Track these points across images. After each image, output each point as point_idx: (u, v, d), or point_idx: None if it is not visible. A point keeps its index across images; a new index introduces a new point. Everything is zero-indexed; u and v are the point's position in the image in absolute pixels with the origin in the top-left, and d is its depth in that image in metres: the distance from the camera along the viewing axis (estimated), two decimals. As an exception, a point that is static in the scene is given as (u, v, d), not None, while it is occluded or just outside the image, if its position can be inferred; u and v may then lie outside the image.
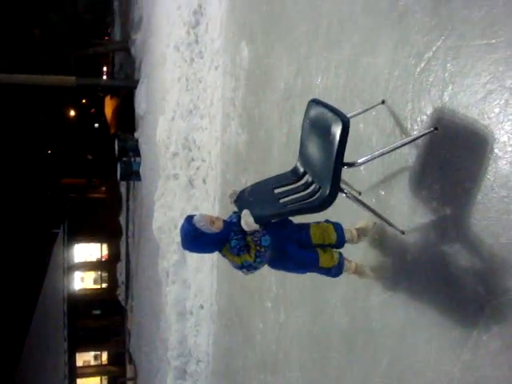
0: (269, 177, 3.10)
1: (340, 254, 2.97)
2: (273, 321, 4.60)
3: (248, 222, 2.59)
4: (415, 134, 2.72)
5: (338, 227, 3.00)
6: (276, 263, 2.85)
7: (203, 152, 7.78)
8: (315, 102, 2.73)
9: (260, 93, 5.31)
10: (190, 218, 2.70)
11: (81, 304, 23.55)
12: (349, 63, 3.41)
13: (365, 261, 3.14)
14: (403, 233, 2.76)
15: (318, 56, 3.88)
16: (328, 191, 2.53)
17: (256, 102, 5.42)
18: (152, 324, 11.19)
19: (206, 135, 7.57)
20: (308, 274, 3.00)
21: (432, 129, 2.56)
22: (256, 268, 2.69)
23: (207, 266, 7.15)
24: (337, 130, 2.42)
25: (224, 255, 2.73)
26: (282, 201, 2.76)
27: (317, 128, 2.68)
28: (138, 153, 17.13)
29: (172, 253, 8.89)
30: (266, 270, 2.95)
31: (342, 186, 2.64)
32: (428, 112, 2.64)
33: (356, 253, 3.15)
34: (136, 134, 17.43)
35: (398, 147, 2.73)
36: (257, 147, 5.41)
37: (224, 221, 2.75)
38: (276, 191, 2.89)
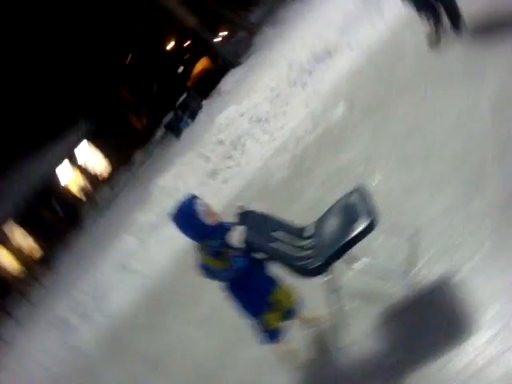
0: (278, 217, 3.11)
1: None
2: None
3: (240, 236, 2.67)
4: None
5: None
6: (232, 288, 2.83)
7: (243, 159, 7.83)
8: (362, 190, 2.81)
9: (324, 155, 5.35)
10: (194, 197, 2.74)
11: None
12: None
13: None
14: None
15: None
16: (319, 264, 2.59)
17: (314, 158, 5.47)
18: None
19: (256, 148, 7.64)
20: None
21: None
22: (214, 276, 2.71)
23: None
24: (362, 224, 2.52)
25: (198, 248, 2.74)
26: (272, 244, 2.77)
27: (348, 209, 2.75)
28: (193, 117, 17.31)
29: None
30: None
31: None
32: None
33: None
34: (204, 102, 17.60)
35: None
36: (288, 189, 5.43)
37: (219, 220, 2.78)
38: (274, 234, 2.89)
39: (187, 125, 17.22)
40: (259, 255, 2.77)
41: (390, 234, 3.07)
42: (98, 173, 26.93)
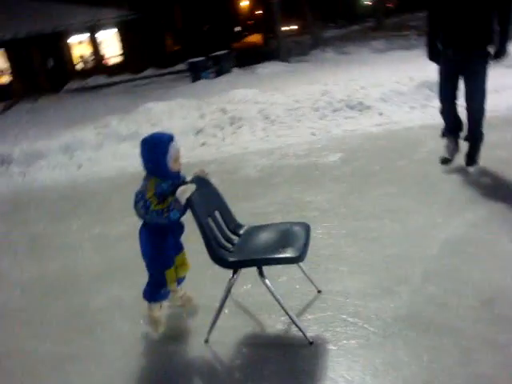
0: (225, 201, 3.18)
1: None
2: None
3: (185, 193, 2.69)
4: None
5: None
6: (152, 233, 2.86)
7: (230, 138, 7.89)
8: (307, 228, 2.95)
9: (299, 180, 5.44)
10: (172, 136, 2.83)
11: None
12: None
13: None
14: (310, 343, 2.69)
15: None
16: (233, 259, 2.76)
17: (289, 177, 5.55)
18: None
19: (247, 137, 7.72)
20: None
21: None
22: (145, 213, 2.71)
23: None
24: (288, 253, 2.65)
25: (146, 181, 2.77)
26: (207, 218, 2.85)
27: (286, 235, 2.89)
28: (218, 74, 17.40)
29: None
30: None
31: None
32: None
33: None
34: (236, 70, 17.66)
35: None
36: (253, 188, 5.49)
37: (180, 173, 2.87)
38: (215, 212, 2.99)
39: (207, 76, 17.16)
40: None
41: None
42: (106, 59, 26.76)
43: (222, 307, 2.85)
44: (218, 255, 2.73)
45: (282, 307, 2.73)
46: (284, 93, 9.96)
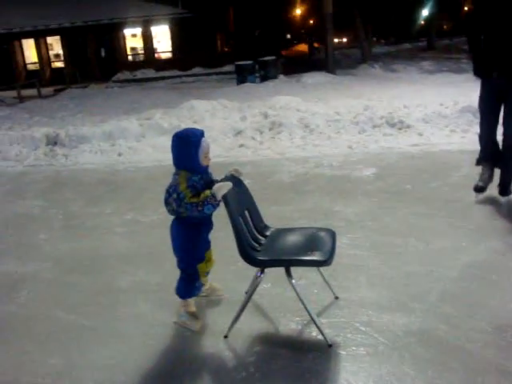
0: (255, 202, 3.28)
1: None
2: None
3: (222, 190, 2.74)
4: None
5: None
6: (187, 227, 2.94)
7: (268, 142, 8.00)
8: (333, 234, 3.04)
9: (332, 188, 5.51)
10: (203, 132, 2.91)
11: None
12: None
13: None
14: (329, 345, 2.76)
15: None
16: (262, 258, 2.84)
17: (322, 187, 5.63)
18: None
19: (286, 143, 7.83)
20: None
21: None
22: (179, 206, 2.76)
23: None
24: (317, 256, 2.74)
25: (176, 175, 2.84)
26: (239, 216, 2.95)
27: (313, 239, 2.98)
28: (264, 79, 17.62)
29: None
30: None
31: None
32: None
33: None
34: (282, 77, 17.84)
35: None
36: (282, 193, 5.58)
37: (208, 168, 2.96)
38: (245, 211, 3.10)
39: (253, 80, 17.38)
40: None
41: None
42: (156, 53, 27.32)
43: (245, 305, 2.93)
44: (248, 253, 2.81)
45: (306, 307, 2.81)
46: (326, 104, 10.06)
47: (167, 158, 7.48)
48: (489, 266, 3.50)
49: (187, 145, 2.83)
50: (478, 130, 4.98)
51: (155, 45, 29.80)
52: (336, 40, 47.34)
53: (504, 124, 4.66)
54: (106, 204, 5.69)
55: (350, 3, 21.54)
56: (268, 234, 3.16)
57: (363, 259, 3.79)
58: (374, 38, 44.80)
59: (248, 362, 2.70)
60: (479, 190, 4.90)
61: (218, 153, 7.56)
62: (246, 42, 31.82)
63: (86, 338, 3.05)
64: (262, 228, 3.20)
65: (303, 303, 2.81)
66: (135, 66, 28.41)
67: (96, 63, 28.98)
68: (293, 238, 3.05)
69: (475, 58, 4.78)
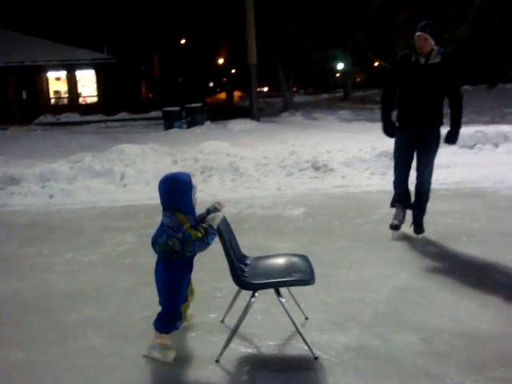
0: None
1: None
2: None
3: (216, 220, 3.00)
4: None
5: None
6: (170, 269, 3.05)
7: (200, 185, 8.26)
8: (306, 258, 3.40)
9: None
10: (189, 175, 3.13)
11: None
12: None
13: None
14: (315, 358, 3.01)
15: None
16: (253, 281, 3.10)
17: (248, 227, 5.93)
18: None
19: (218, 186, 8.12)
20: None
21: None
22: (184, 245, 2.91)
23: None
24: (301, 276, 3.10)
25: (172, 216, 2.94)
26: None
27: (290, 264, 3.32)
28: (191, 125, 17.96)
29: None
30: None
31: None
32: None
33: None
34: (208, 123, 18.26)
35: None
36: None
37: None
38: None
39: (180, 126, 17.71)
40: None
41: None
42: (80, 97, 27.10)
43: (237, 329, 3.12)
44: (241, 279, 3.06)
45: (294, 323, 3.10)
46: (254, 149, 10.54)
47: (101, 199, 7.60)
48: (412, 289, 3.93)
49: (181, 187, 2.99)
50: (393, 175, 5.49)
51: (80, 89, 29.61)
52: (258, 89, 48.98)
53: (418, 171, 5.21)
54: (43, 244, 5.67)
55: (272, 55, 22.66)
56: (248, 261, 3.42)
57: (300, 288, 4.08)
58: (295, 88, 46.88)
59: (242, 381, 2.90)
60: (394, 227, 5.35)
61: (152, 195, 7.72)
62: (169, 89, 32.30)
63: (39, 375, 3.08)
64: (241, 257, 3.45)
65: (292, 319, 3.10)
66: (59, 109, 28.01)
67: (17, 106, 28.27)
68: (273, 263, 3.38)
69: (385, 115, 5.24)
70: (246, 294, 3.19)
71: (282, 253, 3.70)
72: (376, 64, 22.37)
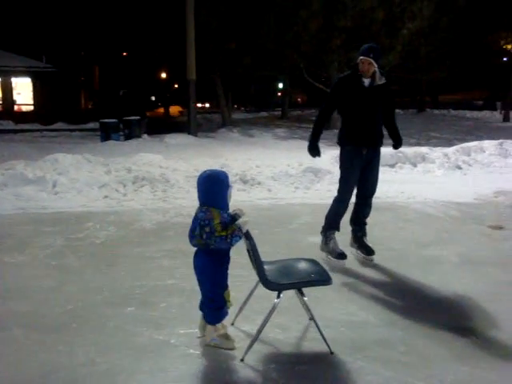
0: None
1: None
2: None
3: (247, 224, 3.16)
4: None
5: None
6: (216, 259, 3.26)
7: (131, 194, 8.52)
8: (316, 261, 3.73)
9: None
10: (227, 174, 3.29)
11: None
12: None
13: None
14: (331, 353, 3.36)
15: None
16: (277, 282, 3.37)
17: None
18: None
19: (147, 196, 8.40)
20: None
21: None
22: (209, 238, 3.08)
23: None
24: (324, 277, 3.45)
25: (206, 211, 3.12)
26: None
27: (305, 267, 3.64)
28: (128, 138, 18.07)
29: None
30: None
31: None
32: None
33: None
34: (145, 136, 18.42)
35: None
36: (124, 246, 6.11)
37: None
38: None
39: (117, 138, 17.81)
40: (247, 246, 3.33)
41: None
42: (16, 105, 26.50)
43: (263, 326, 3.35)
44: (268, 279, 3.30)
45: (315, 321, 3.46)
46: (187, 162, 10.90)
47: (32, 206, 7.70)
48: (314, 287, 4.37)
49: (220, 184, 3.17)
50: (339, 199, 5.31)
51: (15, 96, 28.96)
52: (199, 104, 49.42)
53: (366, 189, 5.27)
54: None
55: (211, 72, 23.18)
56: (265, 265, 3.53)
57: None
58: (235, 105, 47.63)
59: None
60: (343, 256, 5.24)
61: (83, 203, 7.93)
62: (110, 101, 32.15)
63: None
64: None
65: (313, 317, 3.47)
66: (-9, 116, 27.30)
67: None
68: (290, 266, 3.63)
69: (316, 134, 5.25)
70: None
71: (289, 258, 3.91)
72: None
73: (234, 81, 26.72)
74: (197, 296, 4.26)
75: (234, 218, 3.20)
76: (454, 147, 13.01)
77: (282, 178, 9.38)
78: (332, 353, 3.38)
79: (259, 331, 3.37)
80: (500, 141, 13.57)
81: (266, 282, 3.29)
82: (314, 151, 5.28)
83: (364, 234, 5.45)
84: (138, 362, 3.31)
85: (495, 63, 33.49)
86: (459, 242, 6.07)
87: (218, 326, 3.41)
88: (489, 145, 13.12)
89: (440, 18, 21.28)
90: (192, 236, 3.23)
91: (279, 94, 45.62)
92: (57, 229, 6.49)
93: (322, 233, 5.45)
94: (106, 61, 33.69)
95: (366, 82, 5.00)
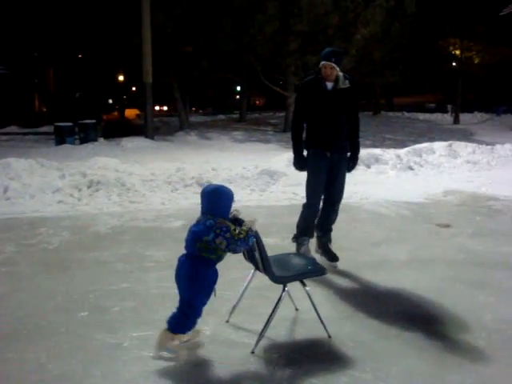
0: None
1: None
2: None
3: (255, 224, 3.37)
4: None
5: None
6: (204, 268, 3.34)
7: (86, 199, 8.43)
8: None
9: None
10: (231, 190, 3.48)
11: None
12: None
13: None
14: (329, 336, 3.66)
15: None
16: (284, 275, 3.64)
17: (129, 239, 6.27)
18: None
19: (103, 200, 8.32)
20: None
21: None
22: (229, 244, 3.24)
23: None
24: (320, 268, 3.82)
25: (215, 219, 3.26)
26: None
27: (296, 260, 3.99)
28: (83, 141, 17.80)
29: None
30: None
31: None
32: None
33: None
34: (101, 140, 18.20)
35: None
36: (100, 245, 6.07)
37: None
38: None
39: (72, 142, 17.51)
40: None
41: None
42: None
43: (271, 318, 3.56)
44: (276, 274, 3.53)
45: (315, 309, 3.72)
46: (143, 165, 10.85)
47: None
48: (266, 288, 4.38)
49: (229, 198, 3.37)
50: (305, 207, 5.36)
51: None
52: (157, 108, 49.00)
53: (332, 195, 5.25)
54: None
55: (168, 75, 23.05)
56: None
57: (169, 289, 4.51)
58: (193, 108, 47.45)
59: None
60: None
61: (36, 208, 7.80)
62: (65, 104, 31.52)
63: None
64: None
65: (314, 306, 3.71)
66: None
67: None
68: (283, 261, 3.86)
69: (299, 148, 5.23)
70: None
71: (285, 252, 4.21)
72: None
73: (191, 84, 26.66)
74: (151, 299, 4.37)
75: (238, 220, 3.42)
76: (406, 149, 13.40)
77: (238, 180, 9.46)
78: (329, 336, 3.69)
79: (267, 324, 3.56)
80: (449, 142, 14.07)
81: (273, 276, 3.54)
82: (301, 164, 5.27)
83: (329, 240, 5.46)
84: (90, 366, 3.31)
85: (445, 68, 34.55)
86: (409, 241, 6.29)
87: (181, 336, 3.43)
88: (439, 146, 13.58)
89: (392, 23, 21.85)
90: (197, 239, 3.30)
91: (237, 96, 45.76)
92: (8, 235, 6.37)
93: (292, 239, 5.48)
94: (60, 62, 33.00)
95: (329, 85, 5.00)
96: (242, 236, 3.25)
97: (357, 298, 4.48)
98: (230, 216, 3.42)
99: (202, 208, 3.39)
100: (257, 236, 3.36)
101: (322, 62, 4.93)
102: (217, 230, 3.23)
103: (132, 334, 3.73)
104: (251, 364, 3.36)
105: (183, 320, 3.36)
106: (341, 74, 5.01)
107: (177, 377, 3.22)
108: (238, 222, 3.41)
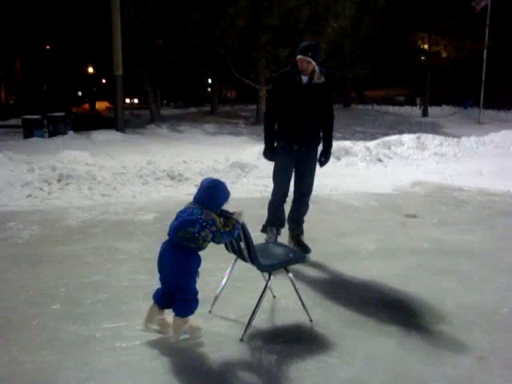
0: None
1: None
2: None
3: (242, 217, 3.44)
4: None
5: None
6: (193, 257, 3.44)
7: (56, 193, 8.34)
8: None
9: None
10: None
11: None
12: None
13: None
14: (311, 320, 3.83)
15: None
16: (269, 263, 3.72)
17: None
18: None
19: (73, 194, 8.26)
20: None
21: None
22: (214, 236, 3.35)
23: None
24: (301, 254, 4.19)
25: (203, 210, 3.35)
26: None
27: (275, 248, 4.14)
28: (52, 135, 17.56)
29: None
30: None
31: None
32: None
33: None
34: (71, 133, 17.96)
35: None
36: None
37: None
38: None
39: (41, 135, 17.26)
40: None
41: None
42: None
43: (258, 306, 3.63)
44: (261, 262, 3.59)
45: (298, 294, 3.88)
46: (114, 159, 10.80)
47: None
48: (239, 279, 4.49)
49: (225, 192, 3.48)
50: (271, 196, 5.47)
51: None
52: (128, 100, 48.46)
53: (299, 188, 5.32)
54: None
55: (139, 68, 22.86)
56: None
57: (140, 281, 4.57)
58: (165, 101, 47.11)
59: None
60: None
61: (5, 202, 7.71)
62: (33, 96, 30.95)
63: None
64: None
65: (297, 292, 3.87)
66: None
67: None
68: (266, 250, 3.98)
69: (270, 139, 5.29)
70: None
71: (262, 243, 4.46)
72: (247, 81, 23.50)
73: (162, 76, 26.48)
74: (123, 291, 4.40)
75: (225, 213, 3.48)
76: (376, 141, 13.64)
77: (209, 173, 9.48)
78: (311, 320, 3.84)
79: (254, 312, 3.63)
80: (418, 135, 14.37)
81: (259, 264, 3.61)
82: (271, 155, 5.34)
83: (301, 232, 5.53)
84: (63, 357, 3.33)
85: (414, 61, 35.10)
86: (376, 231, 6.46)
87: (189, 317, 3.54)
88: (407, 138, 13.86)
89: (362, 17, 22.09)
90: (180, 228, 3.38)
91: (209, 89, 45.55)
92: (-24, 230, 6.30)
93: (261, 230, 5.54)
94: (28, 53, 32.37)
95: (304, 79, 5.04)
96: (228, 229, 3.36)
97: (325, 287, 4.60)
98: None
99: (195, 197, 3.48)
100: (244, 226, 3.44)
101: (299, 56, 4.95)
102: (203, 222, 3.31)
103: (105, 325, 3.76)
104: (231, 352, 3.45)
105: (185, 304, 3.48)
106: (317, 67, 5.02)
107: (150, 366, 3.27)
108: (224, 213, 3.49)
